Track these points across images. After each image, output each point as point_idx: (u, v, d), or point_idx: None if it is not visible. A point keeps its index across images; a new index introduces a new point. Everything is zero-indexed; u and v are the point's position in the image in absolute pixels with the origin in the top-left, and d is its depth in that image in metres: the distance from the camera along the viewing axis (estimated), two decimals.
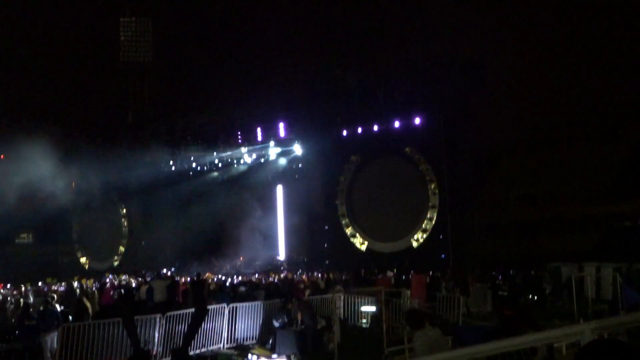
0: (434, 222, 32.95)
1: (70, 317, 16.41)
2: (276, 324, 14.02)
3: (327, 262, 35.42)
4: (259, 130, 39.13)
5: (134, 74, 70.53)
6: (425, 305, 19.29)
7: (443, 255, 32.18)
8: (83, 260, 46.00)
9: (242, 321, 15.39)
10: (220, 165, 42.29)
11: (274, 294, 19.78)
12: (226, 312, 15.01)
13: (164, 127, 44.18)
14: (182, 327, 13.59)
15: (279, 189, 41.53)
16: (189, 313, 13.88)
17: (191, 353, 13.46)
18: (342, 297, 17.48)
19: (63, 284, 31.78)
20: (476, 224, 33.16)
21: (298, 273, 33.09)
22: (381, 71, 37.13)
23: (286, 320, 14.16)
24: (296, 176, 40.09)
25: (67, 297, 21.94)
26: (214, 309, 14.81)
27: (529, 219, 34.89)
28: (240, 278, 30.34)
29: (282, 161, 40.44)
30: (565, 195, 34.32)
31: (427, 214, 33.19)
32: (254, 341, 15.25)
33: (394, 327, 14.95)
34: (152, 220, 43.92)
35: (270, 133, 38.79)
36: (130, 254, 43.68)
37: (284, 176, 40.99)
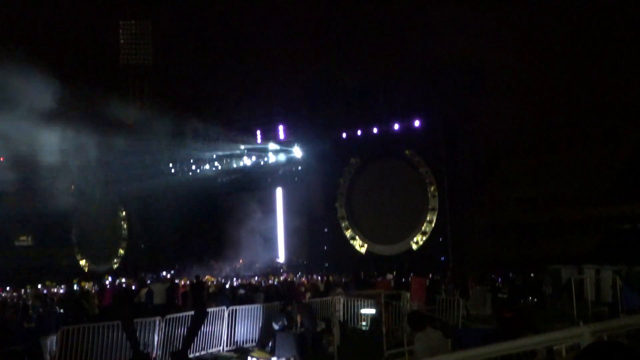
0: (433, 225, 32.93)
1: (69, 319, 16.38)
2: (276, 326, 14.00)
3: (326, 264, 35.40)
4: (258, 132, 39.15)
5: (133, 76, 70.60)
6: (425, 307, 19.26)
7: (443, 258, 32.17)
8: (82, 262, 45.96)
9: (242, 324, 15.37)
10: (220, 167, 42.28)
11: (274, 296, 19.77)
12: (226, 314, 15.00)
13: (163, 129, 44.15)
14: (182, 330, 13.57)
15: (279, 192, 41.55)
16: (188, 316, 13.87)
17: (191, 356, 13.45)
18: (341, 300, 17.47)
19: (62, 286, 31.80)
20: (476, 226, 33.14)
21: (298, 275, 33.09)
22: (381, 73, 37.25)
23: (286, 322, 14.14)
24: (296, 179, 40.11)
25: (67, 299, 21.93)
26: (213, 311, 14.80)
27: (529, 222, 34.90)
28: (239, 281, 30.35)
29: (282, 164, 40.41)
30: (565, 197, 34.34)
31: (426, 216, 33.18)
32: (254, 344, 15.22)
33: (394, 330, 14.93)
34: (151, 222, 43.91)
35: (269, 135, 38.79)
36: (130, 256, 43.64)
37: (284, 178, 41.02)
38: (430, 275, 26.15)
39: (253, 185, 41.79)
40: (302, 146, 37.97)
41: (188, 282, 25.40)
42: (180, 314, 14.22)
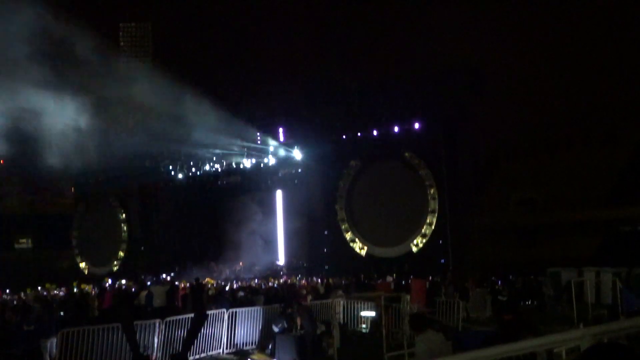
0: (433, 227, 32.92)
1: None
2: (276, 329, 13.99)
3: (326, 267, 35.38)
4: (258, 134, 39.17)
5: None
6: (425, 310, 19.26)
7: (442, 260, 32.16)
8: (82, 265, 45.94)
9: (242, 326, 15.38)
10: (219, 169, 42.29)
11: (274, 299, 19.76)
12: (226, 317, 15.00)
13: (163, 131, 44.16)
14: (182, 333, 13.57)
15: (279, 194, 41.53)
16: (188, 318, 13.87)
17: (191, 358, 13.45)
18: (341, 302, 17.46)
19: (62, 289, 31.80)
20: (476, 228, 33.13)
21: (298, 278, 33.08)
22: (380, 75, 37.22)
23: (286, 325, 14.14)
24: (296, 181, 40.08)
25: (67, 302, 21.93)
26: (213, 314, 14.80)
27: (529, 223, 34.86)
28: (239, 283, 30.35)
29: (282, 166, 40.40)
30: (565, 199, 34.30)
31: (426, 218, 33.17)
32: (254, 346, 15.23)
33: (394, 332, 14.93)
34: (151, 225, 43.91)
35: (269, 138, 38.81)
36: (130, 259, 43.63)
37: (284, 181, 40.99)
38: (430, 278, 26.16)
39: (253, 188, 41.76)
40: (302, 148, 37.99)
41: (188, 285, 25.41)
42: (180, 317, 14.22)
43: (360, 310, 17.31)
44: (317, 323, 15.19)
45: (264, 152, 39.61)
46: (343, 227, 35.66)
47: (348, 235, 35.45)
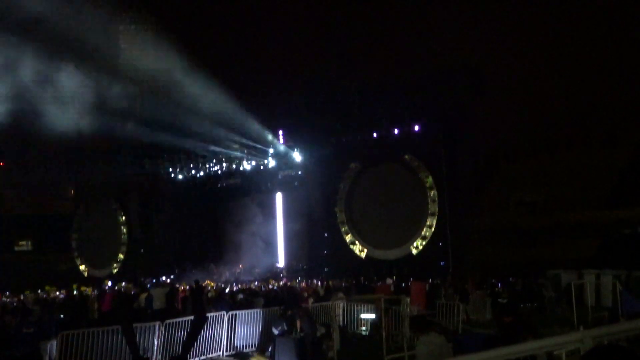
0: (433, 229, 32.89)
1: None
2: (275, 331, 13.98)
3: (326, 269, 35.37)
4: (258, 137, 39.14)
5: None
6: (425, 312, 19.26)
7: (442, 263, 32.15)
8: (82, 267, 45.88)
9: (242, 329, 15.37)
10: (220, 171, 42.27)
11: (274, 301, 19.75)
12: (225, 319, 14.99)
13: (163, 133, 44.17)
14: (182, 335, 13.57)
15: (279, 196, 41.52)
16: (188, 320, 13.87)
17: None
18: (341, 305, 17.45)
19: (62, 291, 31.77)
20: (475, 230, 33.13)
21: (298, 280, 33.06)
22: (380, 78, 37.18)
23: (285, 327, 14.13)
24: (295, 183, 40.07)
25: (66, 304, 21.91)
26: (213, 316, 14.79)
27: (529, 225, 34.85)
28: (239, 286, 30.32)
29: (282, 168, 40.38)
30: (565, 201, 34.31)
31: (426, 221, 33.14)
32: (254, 349, 15.22)
33: (394, 335, 14.92)
34: (151, 227, 43.88)
35: (269, 140, 38.80)
36: (130, 261, 43.58)
37: (284, 183, 40.97)
38: (430, 280, 26.14)
39: (253, 190, 41.75)
40: (302, 150, 38.00)
41: (188, 287, 25.39)
42: (180, 319, 14.21)
43: (360, 313, 17.30)
44: (317, 325, 15.18)
45: (264, 154, 39.60)
46: (343, 229, 35.64)
47: (348, 238, 35.43)
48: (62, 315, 18.60)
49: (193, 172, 42.88)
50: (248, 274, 38.50)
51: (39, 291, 32.12)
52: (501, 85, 38.09)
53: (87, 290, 31.63)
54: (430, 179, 33.07)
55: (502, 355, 3.77)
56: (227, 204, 44.12)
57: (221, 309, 15.95)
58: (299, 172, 39.49)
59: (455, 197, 32.75)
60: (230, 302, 19.59)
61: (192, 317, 14.04)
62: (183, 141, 38.75)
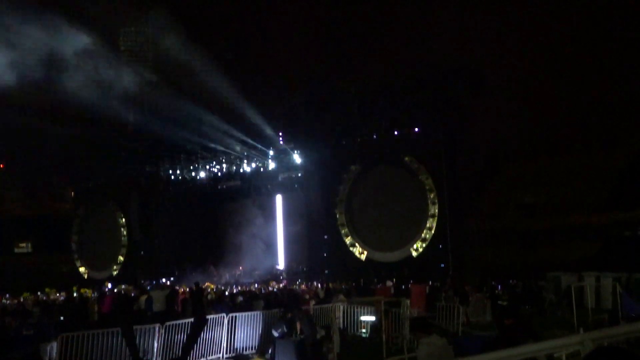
0: (433, 232, 32.84)
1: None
2: (275, 333, 13.97)
3: (326, 271, 35.32)
4: (258, 138, 39.17)
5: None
6: (425, 315, 19.26)
7: (442, 265, 32.11)
8: (82, 269, 45.89)
9: (242, 331, 15.35)
10: (219, 173, 42.29)
11: (274, 303, 19.74)
12: (225, 321, 14.98)
13: (163, 135, 44.21)
14: (182, 337, 13.56)
15: (278, 198, 41.52)
16: (188, 323, 13.86)
17: None
18: (341, 307, 17.44)
19: (62, 293, 31.78)
20: (476, 233, 33.11)
21: (298, 282, 33.04)
22: (380, 80, 37.21)
23: (285, 330, 14.12)
24: (295, 185, 40.06)
25: (66, 306, 21.91)
26: (213, 318, 14.78)
27: (529, 228, 34.86)
28: (239, 288, 30.31)
29: (282, 170, 40.37)
30: (565, 203, 34.32)
31: (426, 223, 33.11)
32: (253, 351, 15.20)
33: (394, 337, 14.91)
34: (151, 229, 43.89)
35: (269, 142, 38.82)
36: (130, 263, 43.59)
37: (284, 185, 40.97)
38: (430, 282, 26.12)
39: (253, 192, 41.76)
40: (301, 152, 38.00)
41: (188, 289, 25.38)
42: (180, 321, 14.21)
43: (360, 315, 17.29)
44: (317, 328, 15.17)
45: (264, 156, 39.60)
46: (343, 231, 35.62)
47: (348, 240, 35.41)
48: (62, 317, 18.59)
49: (193, 174, 42.90)
50: (248, 276, 38.49)
51: (38, 293, 32.14)
52: (501, 87, 38.16)
53: (87, 292, 31.65)
54: (430, 181, 33.04)
55: (502, 357, 3.77)
56: (227, 205, 44.14)
57: (221, 311, 15.93)
58: (299, 174, 39.48)
59: (455, 199, 32.72)
60: (230, 304, 19.57)
61: (192, 319, 14.02)
62: (183, 142, 38.84)
